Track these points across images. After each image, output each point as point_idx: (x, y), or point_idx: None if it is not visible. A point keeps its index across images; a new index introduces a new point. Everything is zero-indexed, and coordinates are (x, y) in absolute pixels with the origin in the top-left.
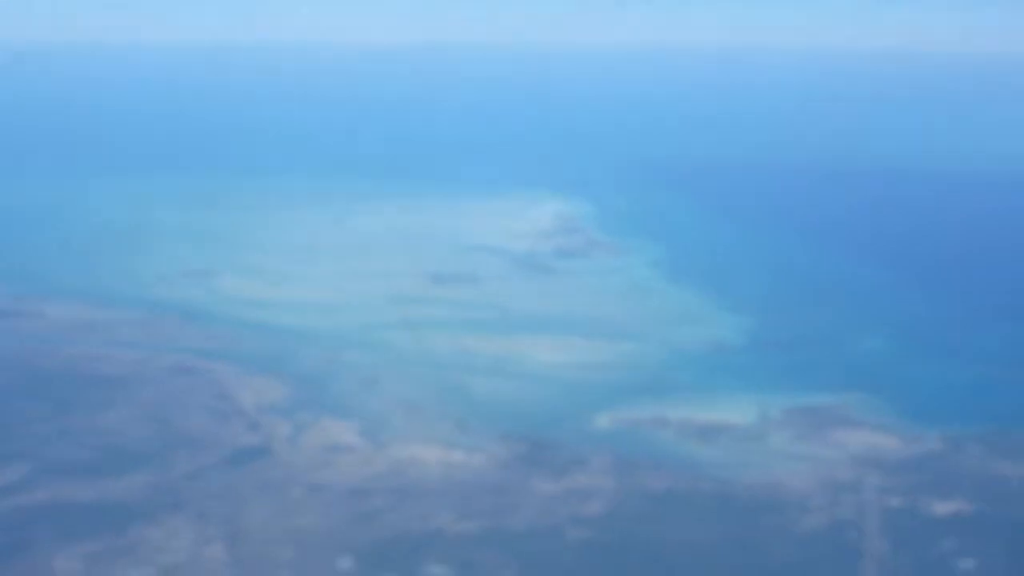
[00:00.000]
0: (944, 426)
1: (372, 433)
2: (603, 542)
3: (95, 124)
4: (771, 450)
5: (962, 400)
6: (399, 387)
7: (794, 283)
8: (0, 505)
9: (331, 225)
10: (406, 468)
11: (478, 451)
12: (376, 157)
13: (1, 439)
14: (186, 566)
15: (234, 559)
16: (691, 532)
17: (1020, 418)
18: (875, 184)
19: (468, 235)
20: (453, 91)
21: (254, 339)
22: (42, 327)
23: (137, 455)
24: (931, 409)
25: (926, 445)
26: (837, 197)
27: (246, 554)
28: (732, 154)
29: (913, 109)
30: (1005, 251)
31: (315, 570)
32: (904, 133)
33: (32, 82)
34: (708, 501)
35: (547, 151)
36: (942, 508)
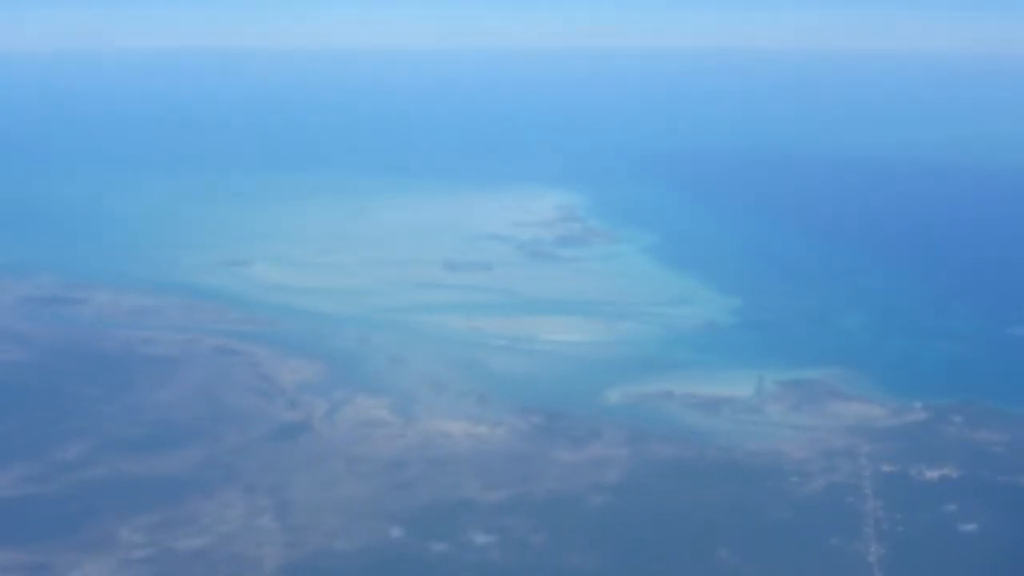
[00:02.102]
0: (926, 398)
1: (402, 409)
2: (622, 507)
3: (133, 125)
4: (769, 420)
5: (941, 374)
6: (424, 366)
7: (778, 266)
8: (64, 480)
9: (353, 218)
10: (436, 441)
11: (500, 424)
12: (390, 156)
13: (62, 418)
14: (241, 534)
15: (285, 527)
16: (700, 496)
17: (994, 390)
18: (853, 172)
19: (478, 226)
20: (447, 93)
21: (289, 323)
22: (93, 313)
23: (189, 431)
24: (913, 382)
25: (911, 416)
26: (817, 185)
27: (296, 523)
28: (715, 144)
29: (887, 102)
30: (978, 233)
31: (363, 537)
32: (880, 124)
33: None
34: (714, 468)
35: (545, 149)
36: (932, 473)
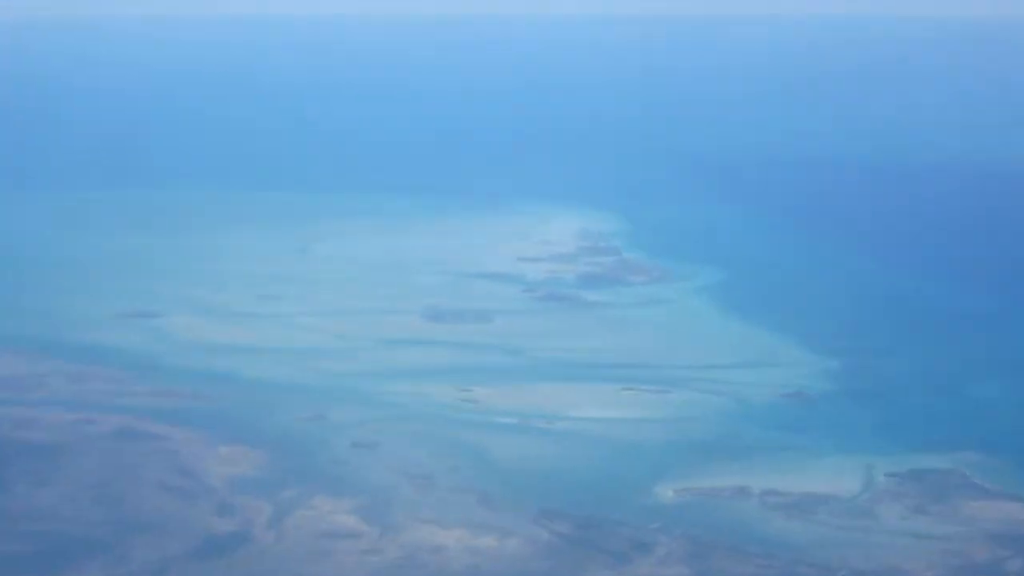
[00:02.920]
0: None
1: (376, 513)
2: None
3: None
4: (883, 527)
5: None
6: (403, 452)
7: (882, 312)
8: None
9: (300, 250)
10: (422, 558)
11: (511, 534)
12: (352, 164)
13: None
14: None
15: None
16: None
17: None
18: (955, 183)
19: (472, 260)
20: (428, 68)
21: (217, 395)
22: None
23: (82, 547)
24: None
25: None
26: (917, 201)
27: None
28: (777, 145)
29: (957, 88)
30: None
31: None
32: (963, 122)
33: None
34: None
35: (555, 150)
36: None
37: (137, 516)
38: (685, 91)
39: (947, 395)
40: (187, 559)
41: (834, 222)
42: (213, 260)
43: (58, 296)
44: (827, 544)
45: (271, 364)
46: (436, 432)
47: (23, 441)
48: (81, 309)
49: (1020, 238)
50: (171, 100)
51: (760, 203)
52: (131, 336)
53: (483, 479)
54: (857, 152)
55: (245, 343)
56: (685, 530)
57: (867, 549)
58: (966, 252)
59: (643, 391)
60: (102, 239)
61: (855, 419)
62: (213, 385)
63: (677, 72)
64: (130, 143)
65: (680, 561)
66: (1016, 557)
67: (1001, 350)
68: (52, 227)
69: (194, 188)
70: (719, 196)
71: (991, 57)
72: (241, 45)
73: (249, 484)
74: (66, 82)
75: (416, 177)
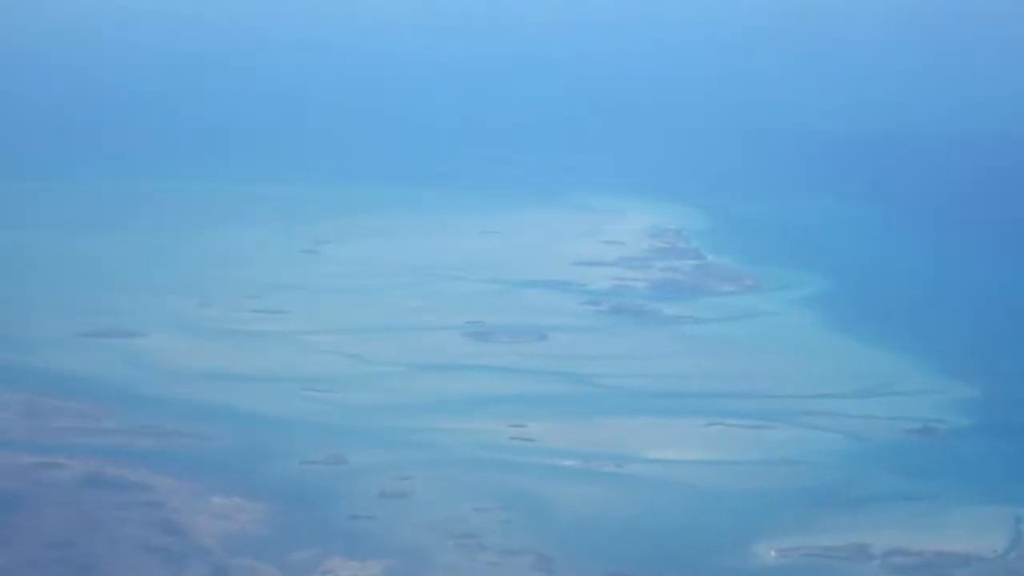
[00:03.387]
0: None
1: None
2: None
3: None
4: None
5: None
6: (441, 503)
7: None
8: None
9: (307, 253)
10: None
11: None
12: (371, 148)
13: None
14: None
15: None
16: None
17: None
18: None
19: (518, 265)
20: (457, 36)
21: (207, 433)
22: None
23: None
24: None
25: None
26: None
27: None
28: (878, 125)
29: None
30: None
31: None
32: None
33: None
34: None
35: (616, 133)
36: None
37: None
38: (759, 64)
39: None
40: None
41: (960, 218)
42: (200, 265)
43: (10, 310)
44: None
45: (274, 395)
46: (482, 479)
47: None
48: (39, 327)
49: None
50: (150, 79)
51: (868, 195)
52: (101, 360)
53: (540, 537)
54: (981, 132)
55: (241, 369)
56: None
57: None
58: None
59: (736, 427)
60: (65, 240)
61: (997, 460)
62: (203, 421)
63: (744, 45)
64: (95, 126)
65: None
66: None
67: None
68: (26, 227)
69: (176, 179)
70: (817, 186)
71: None
72: (234, 16)
73: (250, 544)
74: (21, 56)
75: (446, 165)
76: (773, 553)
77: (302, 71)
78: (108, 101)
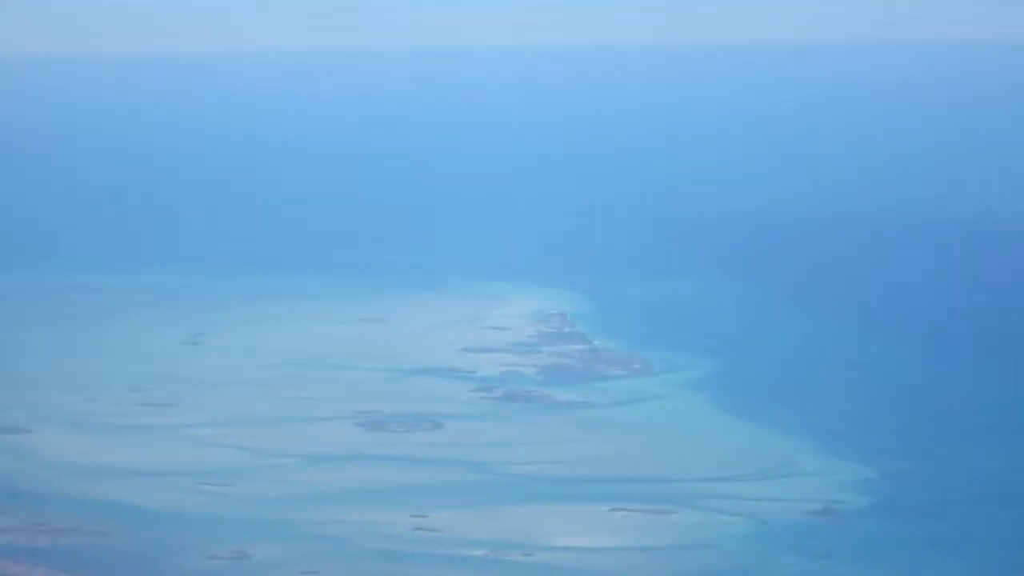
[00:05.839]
0: None
1: None
2: None
3: None
4: None
5: None
6: None
7: (912, 404)
8: None
9: (190, 344)
10: None
11: None
12: (240, 238)
13: None
14: None
15: None
16: None
17: None
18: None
19: (406, 353)
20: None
21: (101, 530)
22: None
23: None
24: None
25: None
26: (935, 262)
27: None
28: (761, 202)
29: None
30: None
31: None
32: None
33: None
34: None
35: (499, 215)
36: None
37: None
38: (631, 143)
39: (1010, 504)
40: None
41: (840, 294)
42: (82, 358)
43: None
44: None
45: (169, 489)
46: (389, 571)
47: None
48: None
49: None
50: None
51: (749, 273)
52: None
53: None
54: (857, 206)
55: (133, 464)
56: None
57: None
58: (997, 328)
59: (639, 511)
60: None
61: (899, 540)
62: (100, 518)
63: (617, 125)
64: None
65: None
66: None
67: None
68: None
69: (56, 270)
70: (692, 266)
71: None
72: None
73: None
74: None
75: (320, 250)
76: None
77: (172, 152)
78: None
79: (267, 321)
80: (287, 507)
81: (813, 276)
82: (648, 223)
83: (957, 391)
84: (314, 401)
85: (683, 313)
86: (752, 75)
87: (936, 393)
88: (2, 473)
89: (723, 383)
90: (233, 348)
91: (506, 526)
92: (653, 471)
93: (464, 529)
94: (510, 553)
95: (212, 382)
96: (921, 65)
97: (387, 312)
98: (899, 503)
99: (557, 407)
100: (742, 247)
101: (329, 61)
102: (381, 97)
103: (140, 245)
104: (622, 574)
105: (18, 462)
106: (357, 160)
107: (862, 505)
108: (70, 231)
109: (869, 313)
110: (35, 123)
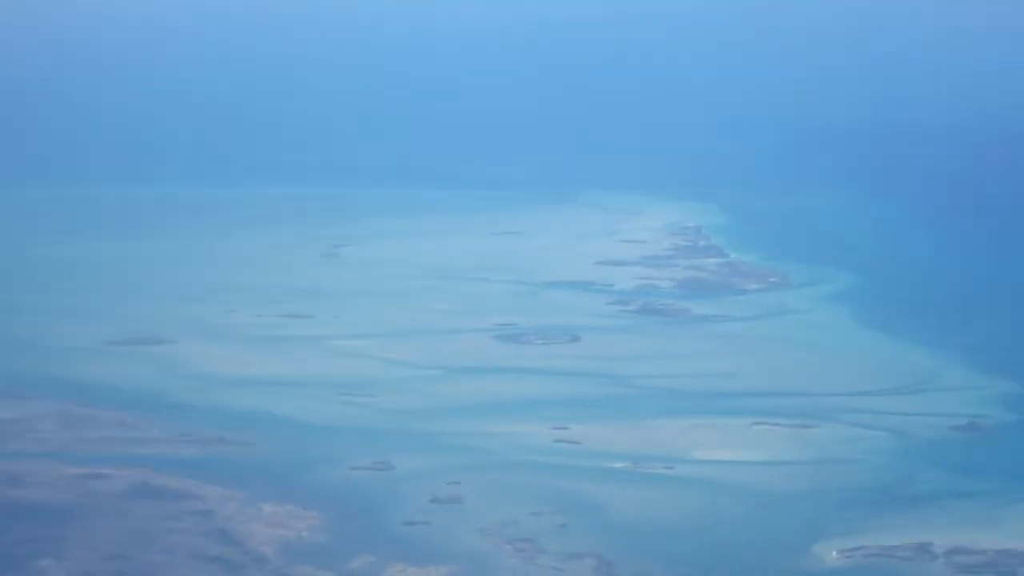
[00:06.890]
0: None
1: None
2: None
3: None
4: None
5: None
6: (495, 508)
7: None
8: None
9: (327, 256)
10: None
11: None
12: (382, 151)
13: None
14: None
15: None
16: None
17: None
18: None
19: (542, 266)
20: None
21: (250, 440)
22: None
23: None
24: None
25: None
26: None
27: None
28: (901, 116)
29: None
30: None
31: None
32: None
33: None
34: None
35: (633, 130)
36: None
37: None
38: (782, 60)
39: None
40: None
41: (987, 208)
42: (221, 271)
43: (37, 319)
44: None
45: (312, 400)
46: (532, 482)
47: (17, 502)
48: (68, 335)
49: None
50: (158, 79)
51: (885, 188)
52: (134, 368)
53: (598, 541)
54: (1002, 116)
55: (275, 374)
56: None
57: None
58: None
59: (780, 426)
60: (84, 246)
61: None
62: (243, 428)
63: (767, 42)
64: (111, 132)
65: None
66: None
67: None
68: (19, 232)
69: (192, 183)
70: (832, 180)
71: None
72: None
73: (308, 551)
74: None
75: (455, 166)
76: (835, 554)
77: (309, 74)
78: (122, 107)
79: (403, 234)
80: (428, 418)
81: (955, 189)
82: (778, 137)
83: None
84: (452, 313)
85: (820, 227)
86: None
87: None
88: (147, 383)
89: (863, 298)
90: (370, 260)
91: (646, 439)
92: (793, 385)
93: (604, 442)
94: (651, 465)
95: (350, 293)
96: None
97: (519, 226)
98: None
99: (694, 320)
100: (875, 161)
101: None
102: (509, 19)
103: (277, 158)
104: (764, 487)
105: (162, 372)
106: (492, 77)
107: (1007, 420)
108: (209, 145)
109: (1014, 226)
110: (163, 37)
